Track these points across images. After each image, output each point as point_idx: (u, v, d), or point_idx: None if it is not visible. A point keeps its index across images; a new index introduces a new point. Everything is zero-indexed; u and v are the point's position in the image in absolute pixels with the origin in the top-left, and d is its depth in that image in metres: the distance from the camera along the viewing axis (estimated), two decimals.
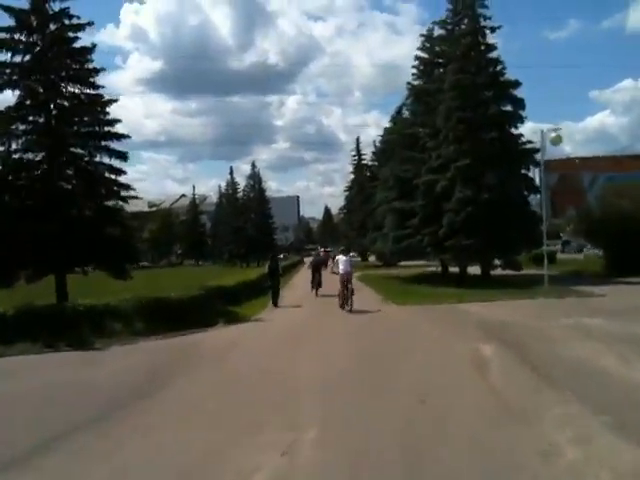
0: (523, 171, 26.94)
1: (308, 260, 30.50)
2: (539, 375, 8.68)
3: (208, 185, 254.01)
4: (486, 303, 18.91)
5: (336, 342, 12.98)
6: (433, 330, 14.00)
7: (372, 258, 58.49)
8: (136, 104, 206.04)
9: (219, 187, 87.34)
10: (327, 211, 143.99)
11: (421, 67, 31.59)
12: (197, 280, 30.23)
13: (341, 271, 18.88)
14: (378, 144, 53.00)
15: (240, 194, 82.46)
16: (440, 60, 30.51)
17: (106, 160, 20.46)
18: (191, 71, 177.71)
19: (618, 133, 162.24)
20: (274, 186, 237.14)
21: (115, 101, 20.47)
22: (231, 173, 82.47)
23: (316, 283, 25.10)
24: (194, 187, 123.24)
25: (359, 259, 64.23)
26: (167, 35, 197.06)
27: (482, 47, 27.00)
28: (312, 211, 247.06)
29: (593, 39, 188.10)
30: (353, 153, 71.52)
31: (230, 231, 78.16)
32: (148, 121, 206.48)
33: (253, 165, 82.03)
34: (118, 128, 20.53)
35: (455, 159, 25.22)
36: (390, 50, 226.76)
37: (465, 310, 17.43)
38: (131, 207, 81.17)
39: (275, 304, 21.74)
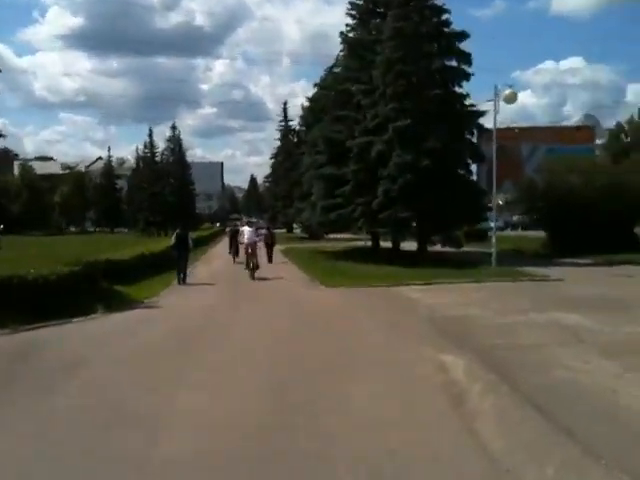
0: (467, 136, 23.93)
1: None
2: (570, 434, 5.09)
3: (129, 150, 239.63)
4: (429, 287, 15.94)
5: (245, 353, 8.99)
6: (375, 330, 10.45)
7: (298, 230, 55.07)
8: (54, 61, 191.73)
9: (136, 149, 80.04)
10: (253, 180, 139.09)
11: (356, 16, 27.70)
12: (93, 250, 26.15)
13: (246, 240, 20.43)
14: (306, 104, 49.04)
15: (159, 158, 76.41)
16: (378, 9, 26.80)
17: None
18: (113, 29, 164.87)
19: (539, 114, 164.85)
20: (199, 153, 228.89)
21: None
22: (150, 135, 76.01)
23: (234, 251, 26.63)
24: (109, 148, 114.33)
25: (283, 230, 60.87)
26: None
27: None
28: (238, 180, 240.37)
29: (518, 19, 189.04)
30: (280, 119, 67.42)
31: (147, 197, 72.27)
32: (66, 79, 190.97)
33: (173, 127, 75.92)
34: None
35: (394, 118, 21.81)
36: (320, 18, 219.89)
37: (407, 297, 14.32)
38: (43, 168, 74.12)
39: (181, 281, 18.25)
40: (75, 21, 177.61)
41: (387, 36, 22.87)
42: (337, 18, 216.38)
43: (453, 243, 23.52)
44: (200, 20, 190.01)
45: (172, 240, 19.32)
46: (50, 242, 52.70)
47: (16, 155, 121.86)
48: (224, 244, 35.02)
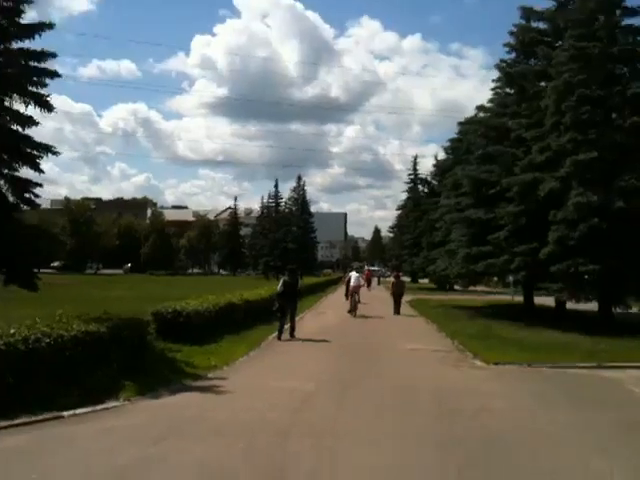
0: None
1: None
2: None
3: (258, 201, 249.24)
4: None
5: None
6: None
7: (426, 280, 50.63)
8: (198, 126, 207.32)
9: (262, 199, 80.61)
10: (377, 231, 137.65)
11: (516, 47, 24.00)
12: (191, 291, 24.06)
13: (352, 283, 22.30)
14: (441, 157, 45.58)
15: (283, 207, 76.12)
16: (544, 38, 22.97)
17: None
18: (254, 100, 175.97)
19: None
20: (325, 207, 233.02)
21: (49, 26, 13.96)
22: (276, 185, 76.87)
23: (353, 301, 22.16)
24: (236, 198, 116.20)
25: (407, 279, 56.73)
26: (234, 65, 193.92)
27: (616, 10, 19.34)
28: (362, 232, 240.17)
29: None
30: (409, 171, 64.45)
31: (268, 243, 71.57)
32: (208, 141, 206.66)
33: (299, 178, 75.84)
34: None
35: (572, 151, 17.49)
36: (453, 90, 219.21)
37: None
38: (177, 216, 77.42)
39: (286, 335, 14.97)
40: (220, 91, 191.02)
41: (563, 60, 18.91)
42: (468, 90, 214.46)
43: None
44: (335, 92, 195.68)
45: (279, 287, 15.31)
46: (162, 281, 52.33)
47: (154, 203, 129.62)
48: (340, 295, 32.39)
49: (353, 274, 23.42)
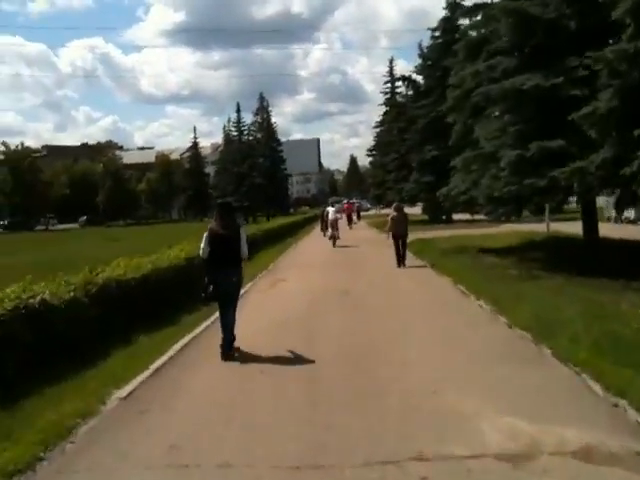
0: None
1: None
2: None
3: None
4: None
5: None
6: None
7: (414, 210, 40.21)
8: (159, 58, 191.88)
9: (223, 128, 67.65)
10: (353, 161, 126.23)
11: None
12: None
13: (330, 216, 22.42)
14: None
15: (246, 135, 64.16)
16: None
17: None
18: (213, 22, 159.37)
19: None
20: (297, 137, 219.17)
21: None
22: (238, 110, 63.91)
23: (332, 234, 21.78)
24: (195, 129, 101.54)
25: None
26: None
27: None
28: (337, 163, 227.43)
29: None
30: (385, 76, 52.52)
31: (233, 179, 60.25)
32: (172, 75, 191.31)
33: (261, 98, 63.06)
34: None
35: None
36: None
37: None
38: (136, 158, 65.98)
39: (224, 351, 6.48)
40: (177, 16, 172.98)
41: None
42: None
43: None
44: (298, 7, 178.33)
45: (202, 246, 6.63)
46: (112, 234, 42.44)
47: (120, 147, 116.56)
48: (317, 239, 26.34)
49: (330, 208, 23.60)
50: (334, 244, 21.15)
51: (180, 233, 34.97)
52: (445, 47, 32.84)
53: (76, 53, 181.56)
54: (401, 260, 14.49)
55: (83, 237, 44.48)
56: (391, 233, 14.87)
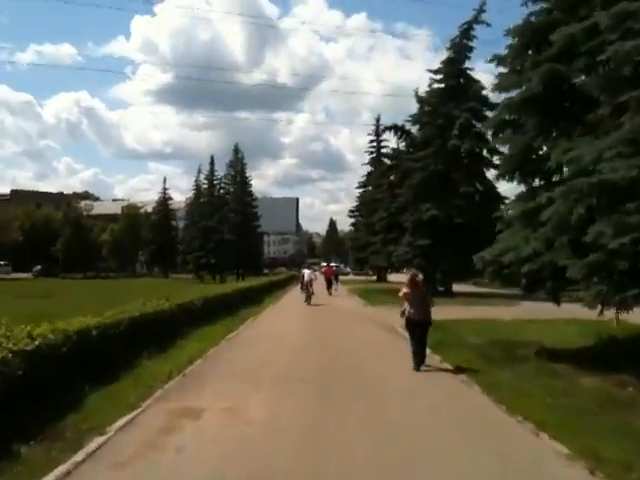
0: None
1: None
2: None
3: None
4: None
5: None
6: None
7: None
8: (144, 115, 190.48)
9: (196, 180, 61.25)
10: (332, 224, 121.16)
11: None
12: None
13: (306, 278, 23.54)
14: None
15: (217, 188, 58.21)
16: None
17: None
18: (199, 85, 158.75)
19: None
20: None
21: None
22: (212, 163, 58.08)
23: (307, 292, 23.07)
24: (165, 180, 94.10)
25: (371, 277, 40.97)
26: (178, 48, 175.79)
27: None
28: (316, 227, 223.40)
29: None
30: (371, 138, 47.98)
31: (199, 234, 53.80)
32: (156, 132, 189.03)
33: (236, 150, 57.36)
34: None
35: None
36: (400, 74, 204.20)
37: None
38: (104, 209, 58.44)
39: None
40: (164, 77, 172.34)
41: None
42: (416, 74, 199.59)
43: None
44: (283, 77, 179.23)
45: None
46: (63, 287, 35.64)
47: (97, 198, 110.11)
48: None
49: (306, 270, 24.91)
50: (309, 303, 22.19)
51: (131, 291, 28.57)
52: (449, 92, 27.98)
53: (61, 104, 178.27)
54: (418, 359, 8.75)
55: (11, 289, 37.21)
56: (405, 317, 8.97)
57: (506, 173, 9.99)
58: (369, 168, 48.42)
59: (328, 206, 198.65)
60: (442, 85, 28.40)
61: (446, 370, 8.86)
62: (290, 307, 22.21)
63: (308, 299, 22.38)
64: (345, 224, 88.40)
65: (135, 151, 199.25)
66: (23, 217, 77.25)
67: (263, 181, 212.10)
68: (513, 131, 9.77)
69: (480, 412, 6.45)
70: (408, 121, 30.19)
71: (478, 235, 25.70)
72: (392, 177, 32.53)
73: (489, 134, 10.31)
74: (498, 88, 10.65)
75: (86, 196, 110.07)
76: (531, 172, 9.64)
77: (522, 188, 10.41)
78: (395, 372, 8.68)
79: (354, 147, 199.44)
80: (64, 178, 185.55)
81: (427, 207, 25.91)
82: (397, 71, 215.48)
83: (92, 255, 71.54)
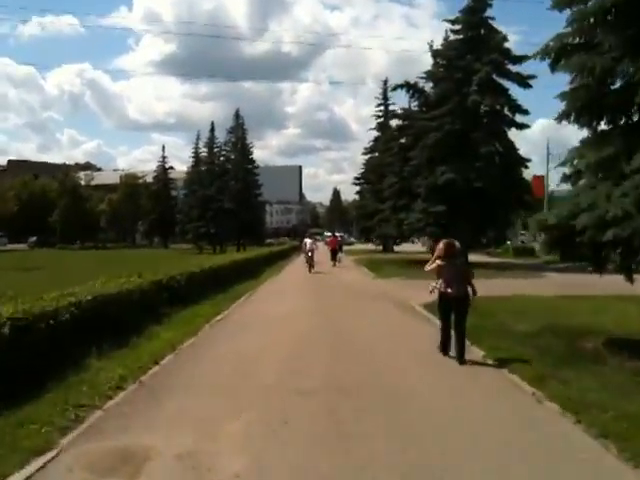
0: None
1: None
2: None
3: None
4: None
5: None
6: None
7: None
8: (147, 87, 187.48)
9: (195, 146, 58.21)
10: (336, 193, 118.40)
11: None
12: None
13: (307, 247, 23.57)
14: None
15: (217, 156, 55.45)
16: None
17: None
18: (203, 55, 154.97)
19: None
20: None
21: None
22: (212, 130, 55.13)
23: (309, 259, 23.47)
24: (164, 148, 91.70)
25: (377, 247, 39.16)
26: (181, 18, 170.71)
27: None
28: (319, 197, 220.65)
29: None
30: (378, 101, 45.15)
31: (197, 203, 51.38)
32: (159, 103, 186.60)
33: (237, 115, 54.38)
34: None
35: None
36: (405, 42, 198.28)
37: None
38: (103, 179, 55.72)
39: None
40: (167, 47, 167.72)
41: None
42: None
43: None
44: (287, 46, 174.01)
45: None
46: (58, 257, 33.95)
47: (98, 169, 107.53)
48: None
49: (307, 240, 24.59)
50: (310, 270, 22.71)
51: (126, 261, 26.39)
52: (468, 44, 25.14)
53: (64, 77, 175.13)
54: (457, 351, 6.98)
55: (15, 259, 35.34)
56: (439, 290, 6.78)
57: (573, 111, 7.52)
58: (376, 134, 45.83)
59: (332, 176, 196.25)
60: (460, 36, 25.56)
61: (492, 366, 6.63)
62: (292, 280, 19.98)
63: (310, 267, 22.97)
64: (349, 194, 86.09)
65: (138, 122, 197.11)
66: (19, 188, 75.04)
67: (267, 151, 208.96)
68: (585, 53, 7.25)
69: (574, 454, 4.16)
70: (422, 78, 27.50)
71: (497, 201, 23.34)
72: (403, 140, 29.88)
73: (547, 62, 7.58)
74: (557, 5, 8.09)
75: (88, 167, 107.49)
76: (610, 108, 7.17)
77: (585, 133, 7.98)
78: (433, 380, 6.40)
79: (359, 117, 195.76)
80: (67, 150, 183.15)
81: (442, 170, 23.40)
82: (402, 40, 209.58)
83: (90, 225, 69.38)
